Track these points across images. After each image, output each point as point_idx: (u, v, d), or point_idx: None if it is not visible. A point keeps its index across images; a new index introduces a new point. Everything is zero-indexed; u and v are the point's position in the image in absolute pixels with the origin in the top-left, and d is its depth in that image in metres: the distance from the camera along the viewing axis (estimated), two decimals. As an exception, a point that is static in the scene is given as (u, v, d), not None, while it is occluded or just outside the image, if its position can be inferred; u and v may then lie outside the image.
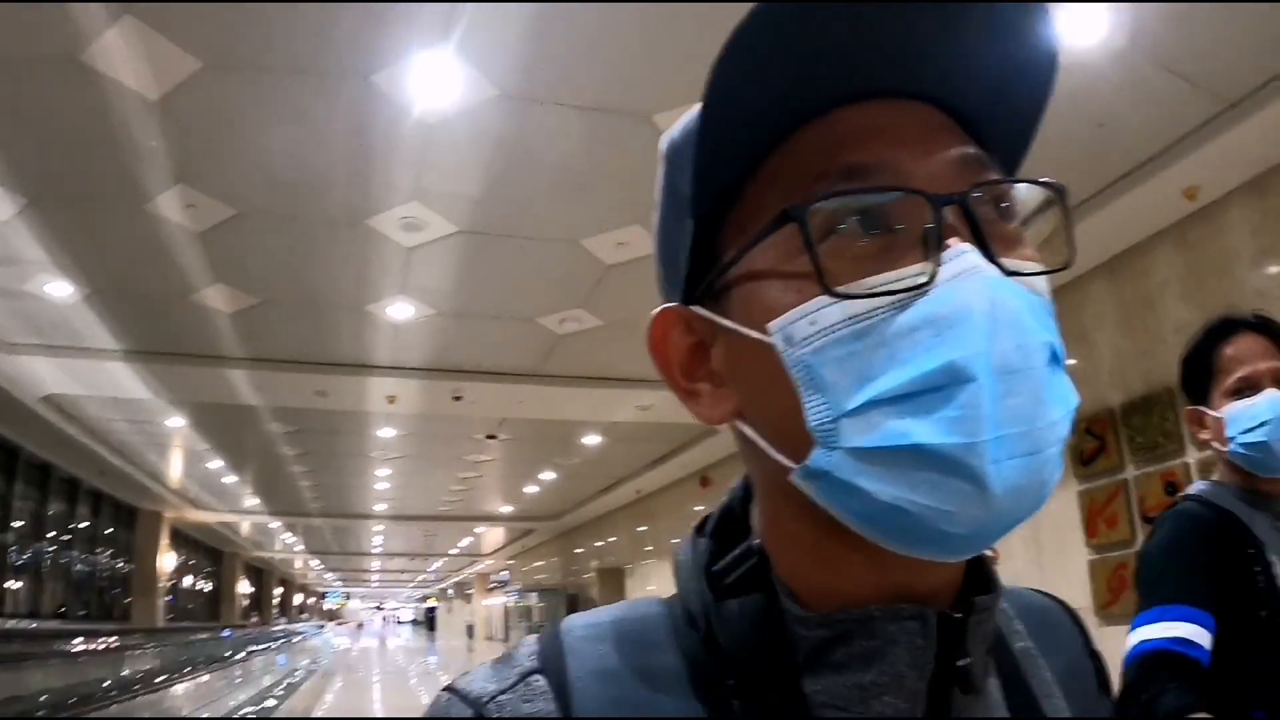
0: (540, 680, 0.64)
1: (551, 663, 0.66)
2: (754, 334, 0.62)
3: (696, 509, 18.50)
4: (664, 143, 0.70)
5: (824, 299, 0.58)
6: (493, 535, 33.67)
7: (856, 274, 0.58)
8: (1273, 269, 7.69)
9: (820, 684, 0.62)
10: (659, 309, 0.71)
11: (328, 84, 5.32)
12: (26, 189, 6.42)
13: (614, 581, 25.81)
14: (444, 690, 0.66)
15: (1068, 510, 9.20)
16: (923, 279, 0.57)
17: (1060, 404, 0.59)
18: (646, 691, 0.64)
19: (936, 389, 0.55)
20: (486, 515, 27.42)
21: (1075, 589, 8.43)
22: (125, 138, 5.69)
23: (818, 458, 0.58)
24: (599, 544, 26.51)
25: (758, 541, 0.67)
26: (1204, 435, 2.27)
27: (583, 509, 24.55)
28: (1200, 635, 1.95)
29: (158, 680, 15.52)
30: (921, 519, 0.56)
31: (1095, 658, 0.85)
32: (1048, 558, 8.87)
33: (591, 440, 15.87)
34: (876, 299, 0.57)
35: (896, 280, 0.57)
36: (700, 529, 0.73)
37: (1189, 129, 6.39)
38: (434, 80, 5.28)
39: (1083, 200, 7.30)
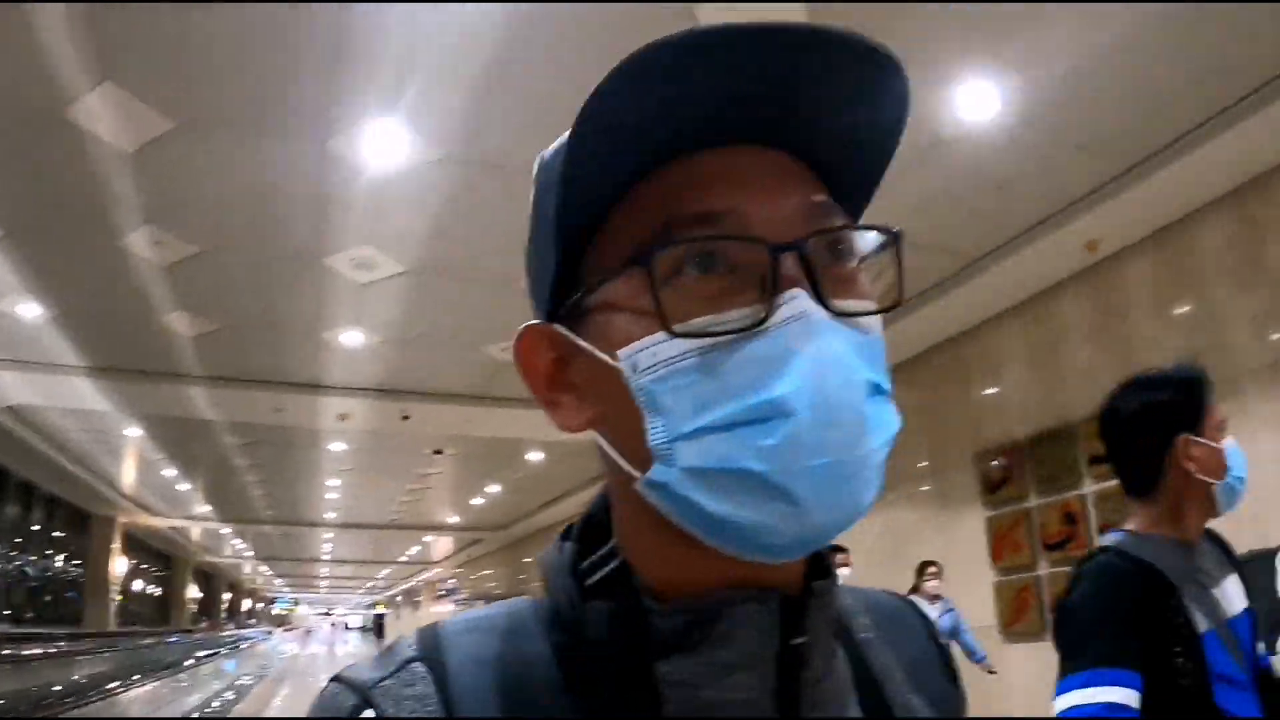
0: (420, 667, 0.68)
1: (430, 653, 0.69)
2: (606, 358, 0.66)
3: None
4: (535, 164, 0.73)
5: (664, 334, 0.62)
6: (442, 544, 33.75)
7: (696, 313, 0.62)
8: (1166, 316, 8.43)
9: (673, 665, 0.66)
10: (524, 326, 0.74)
11: (288, 146, 5.89)
12: (4, 222, 6.91)
13: None
14: (331, 681, 0.70)
15: (976, 535, 9.74)
16: (755, 320, 0.61)
17: (877, 434, 0.64)
18: (517, 675, 0.68)
19: (762, 420, 0.60)
20: (435, 525, 27.65)
21: (981, 608, 8.97)
22: (101, 183, 6.19)
23: (657, 471, 0.63)
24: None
25: (614, 544, 0.72)
26: (1190, 466, 2.20)
27: (529, 520, 24.77)
28: (1131, 698, 1.93)
29: (110, 686, 15.63)
30: (747, 530, 0.61)
31: (941, 649, 0.90)
32: (957, 577, 9.30)
33: (535, 456, 16.37)
34: (711, 338, 0.61)
35: (731, 321, 0.62)
36: (566, 535, 0.77)
37: (1085, 191, 7.06)
38: (384, 144, 5.86)
39: (988, 251, 8.02)
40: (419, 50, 5.03)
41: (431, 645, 0.70)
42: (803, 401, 0.59)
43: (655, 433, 0.63)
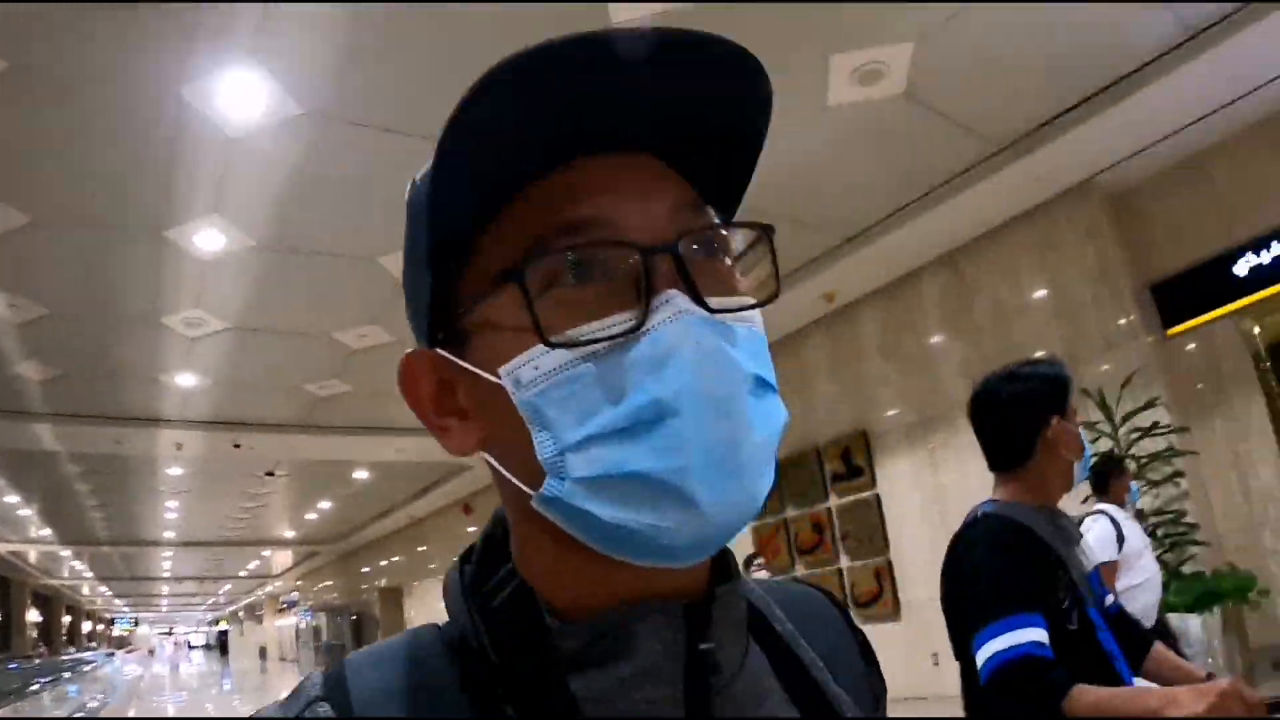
0: (325, 707, 0.64)
1: (335, 691, 0.66)
2: (489, 377, 0.63)
3: (469, 530, 19.97)
4: (407, 192, 0.69)
5: (543, 347, 0.60)
6: (281, 558, 33.75)
7: (573, 323, 0.60)
8: (893, 357, 10.12)
9: (585, 682, 0.63)
10: (407, 352, 0.71)
11: (126, 235, 7.00)
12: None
13: (394, 600, 26.57)
14: None
15: (743, 541, 11.16)
16: (632, 325, 0.59)
17: (763, 427, 0.63)
18: (424, 707, 0.64)
19: (648, 422, 0.58)
20: (272, 540, 27.91)
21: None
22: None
23: (550, 486, 0.60)
24: (383, 563, 27.22)
25: (514, 565, 0.69)
26: (1060, 445, 2.31)
27: (362, 533, 25.45)
28: (1045, 637, 2.01)
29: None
30: (645, 535, 0.59)
31: (857, 633, 0.89)
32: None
33: (361, 475, 17.33)
34: (590, 345, 0.59)
35: (609, 327, 0.60)
36: (466, 557, 0.74)
37: (821, 252, 8.80)
38: (208, 234, 7.05)
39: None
40: (235, 156, 6.11)
41: (335, 682, 0.67)
42: (686, 400, 0.58)
43: (544, 446, 0.61)
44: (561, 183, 0.63)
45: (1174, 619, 5.91)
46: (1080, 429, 2.37)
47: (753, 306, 0.66)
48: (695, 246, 0.64)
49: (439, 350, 0.68)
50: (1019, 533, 2.22)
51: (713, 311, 0.61)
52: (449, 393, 0.69)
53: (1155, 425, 7.28)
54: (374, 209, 6.79)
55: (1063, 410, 2.32)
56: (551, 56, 0.56)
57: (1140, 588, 5.30)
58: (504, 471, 0.66)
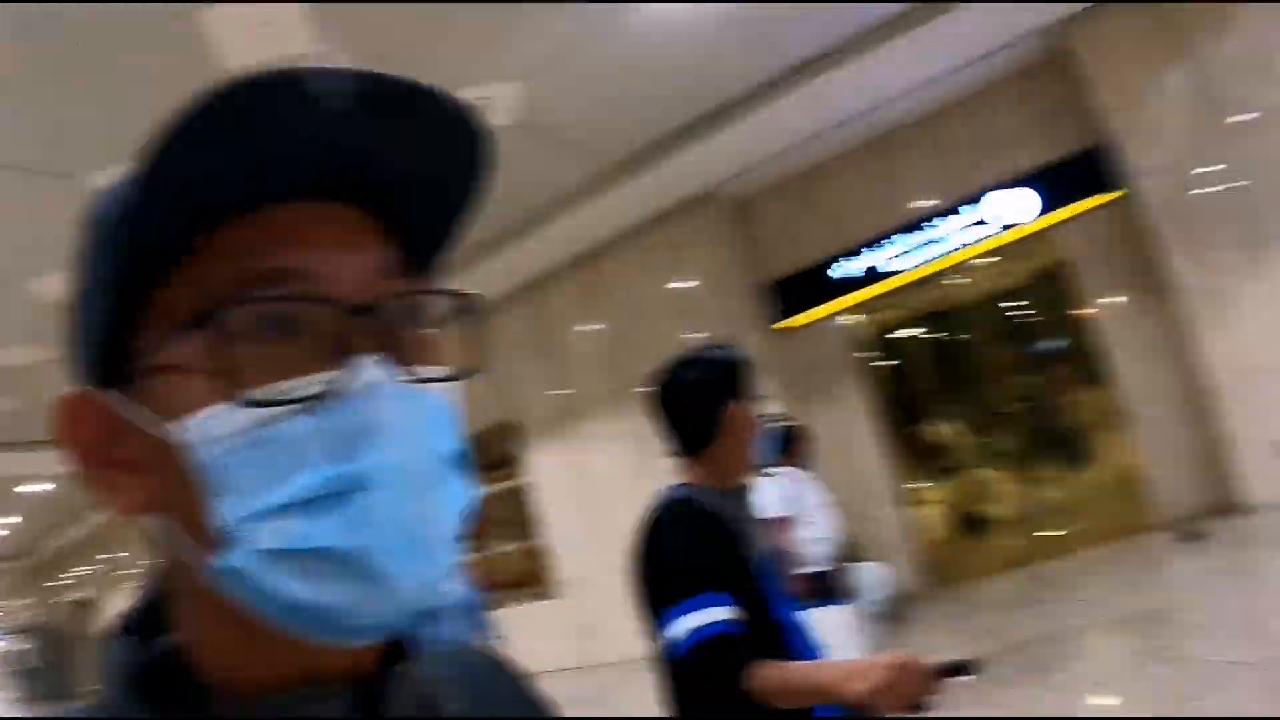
0: None
1: None
2: (163, 430, 0.56)
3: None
4: (89, 210, 0.61)
5: (228, 404, 0.54)
6: None
7: (266, 379, 0.55)
8: (533, 356, 10.88)
9: None
10: (67, 392, 0.62)
11: None
12: None
13: (86, 613, 25.46)
14: None
15: None
16: (327, 389, 0.55)
17: (455, 504, 0.60)
18: None
19: (336, 495, 0.54)
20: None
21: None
22: None
23: (226, 556, 0.55)
24: (77, 573, 25.92)
25: (176, 638, 0.62)
26: (741, 427, 2.29)
27: (48, 544, 24.49)
28: (735, 613, 2.01)
29: None
30: (328, 613, 0.55)
31: (534, 694, 0.87)
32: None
33: (41, 488, 16.72)
34: (281, 406, 0.54)
35: (301, 388, 0.55)
36: (126, 624, 0.65)
37: (458, 259, 9.40)
38: None
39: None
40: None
41: None
42: (379, 475, 0.55)
43: (222, 513, 0.55)
44: (262, 226, 0.58)
45: (861, 569, 6.31)
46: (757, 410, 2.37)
47: (450, 379, 0.64)
48: (398, 311, 0.61)
49: (107, 394, 0.60)
50: (704, 515, 2.21)
51: (411, 381, 0.59)
52: (115, 443, 0.60)
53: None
54: (7, 237, 6.83)
55: (740, 393, 2.30)
56: (261, 91, 0.52)
57: (820, 541, 5.68)
58: (171, 536, 0.59)
